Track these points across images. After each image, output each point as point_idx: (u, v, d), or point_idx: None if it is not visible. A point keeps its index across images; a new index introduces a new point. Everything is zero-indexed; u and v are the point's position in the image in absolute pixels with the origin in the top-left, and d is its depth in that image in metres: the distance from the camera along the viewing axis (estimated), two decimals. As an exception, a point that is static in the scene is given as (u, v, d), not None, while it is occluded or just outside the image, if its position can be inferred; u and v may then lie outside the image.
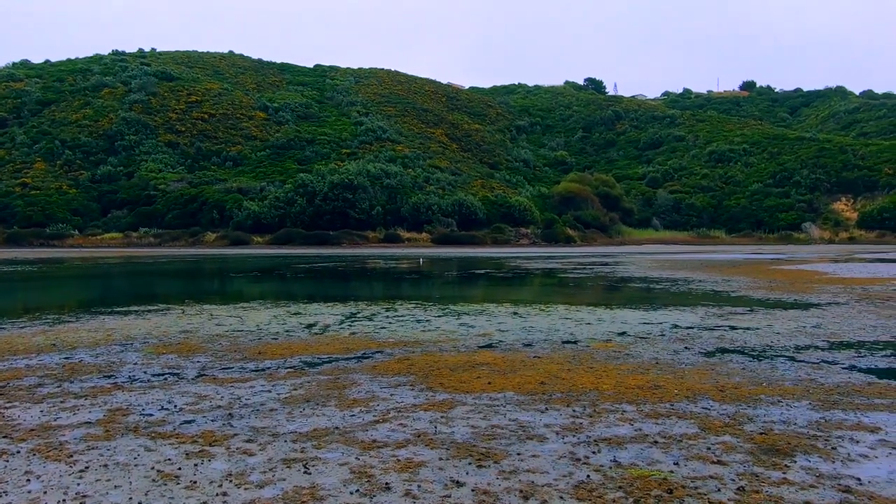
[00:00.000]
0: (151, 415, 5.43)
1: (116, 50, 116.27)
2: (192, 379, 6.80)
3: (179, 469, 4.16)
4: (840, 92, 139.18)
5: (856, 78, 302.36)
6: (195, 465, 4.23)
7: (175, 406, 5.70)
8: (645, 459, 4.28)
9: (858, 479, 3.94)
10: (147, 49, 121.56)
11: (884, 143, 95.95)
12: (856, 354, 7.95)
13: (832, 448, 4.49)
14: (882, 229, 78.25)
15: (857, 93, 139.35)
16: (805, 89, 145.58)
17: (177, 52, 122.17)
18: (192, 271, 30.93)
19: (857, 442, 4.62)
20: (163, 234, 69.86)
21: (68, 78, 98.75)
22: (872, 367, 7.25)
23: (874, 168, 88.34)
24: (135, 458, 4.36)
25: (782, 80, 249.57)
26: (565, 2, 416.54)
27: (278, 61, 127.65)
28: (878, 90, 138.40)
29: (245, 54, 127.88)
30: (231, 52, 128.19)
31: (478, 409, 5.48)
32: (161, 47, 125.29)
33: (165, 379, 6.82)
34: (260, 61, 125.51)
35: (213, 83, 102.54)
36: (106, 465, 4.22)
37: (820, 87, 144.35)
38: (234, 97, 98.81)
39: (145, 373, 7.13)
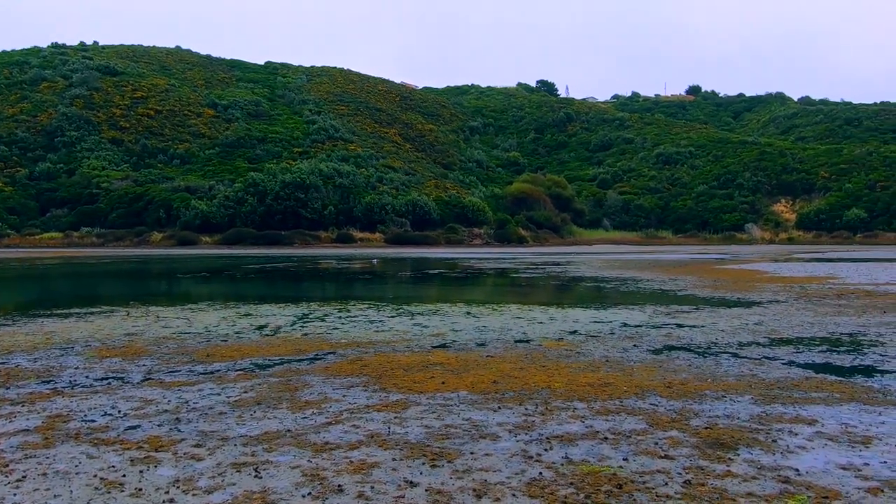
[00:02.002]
0: (94, 421, 5.24)
1: (56, 42, 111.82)
2: (137, 383, 6.60)
3: (124, 476, 4.03)
4: (780, 98, 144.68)
5: (795, 84, 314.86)
6: (141, 471, 4.11)
7: (119, 411, 5.52)
8: (595, 456, 4.36)
9: (797, 470, 4.10)
10: (89, 42, 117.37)
11: (820, 148, 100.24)
12: (794, 350, 8.27)
13: (773, 441, 4.65)
14: (818, 230, 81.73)
15: (795, 99, 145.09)
16: (748, 94, 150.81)
17: (121, 45, 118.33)
18: (137, 272, 30.02)
19: (796, 434, 4.81)
20: (106, 234, 67.54)
21: (4, 70, 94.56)
22: (810, 362, 7.56)
23: (811, 171, 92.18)
24: (76, 466, 4.20)
25: (726, 86, 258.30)
26: (519, 6, 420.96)
27: (227, 57, 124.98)
28: (815, 97, 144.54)
29: (193, 50, 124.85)
30: (178, 47, 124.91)
31: (431, 409, 5.49)
32: (104, 40, 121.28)
33: (109, 383, 6.60)
34: (209, 57, 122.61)
35: (159, 79, 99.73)
36: (45, 474, 4.06)
37: (761, 92, 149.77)
38: (181, 93, 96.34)
39: (87, 377, 6.88)
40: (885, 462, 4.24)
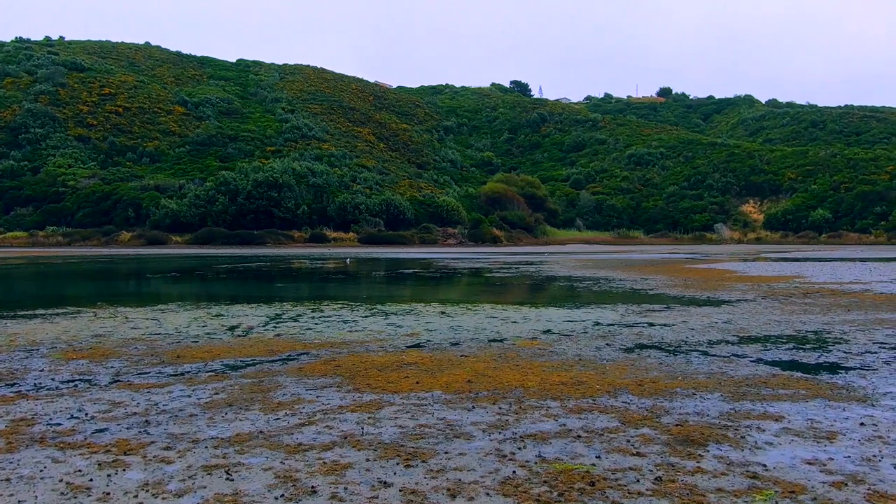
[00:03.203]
0: (59, 424, 5.13)
1: (20, 37, 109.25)
2: (105, 385, 6.47)
3: (91, 480, 3.95)
4: (748, 100, 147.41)
5: (762, 87, 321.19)
6: (108, 475, 4.03)
7: (86, 414, 5.41)
8: (568, 454, 4.39)
9: (764, 466, 4.18)
10: (55, 37, 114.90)
11: (787, 150, 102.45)
12: (762, 348, 8.43)
13: (741, 437, 4.74)
14: (785, 230, 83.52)
15: (763, 101, 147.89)
16: (717, 97, 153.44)
17: (88, 41, 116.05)
18: (105, 272, 29.44)
19: (764, 430, 4.90)
20: (73, 234, 66.15)
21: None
22: (777, 359, 7.71)
23: (778, 173, 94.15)
24: (41, 471, 4.11)
25: (696, 88, 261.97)
26: (493, 6, 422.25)
27: (198, 54, 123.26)
28: (782, 99, 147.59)
29: (162, 46, 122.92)
30: (147, 43, 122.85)
31: (405, 409, 5.48)
32: (70, 36, 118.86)
33: (75, 386, 6.46)
34: (179, 54, 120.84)
35: (127, 75, 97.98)
36: (9, 480, 3.96)
37: (730, 95, 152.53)
38: (150, 90, 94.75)
39: (53, 380, 6.73)
40: (849, 457, 4.34)
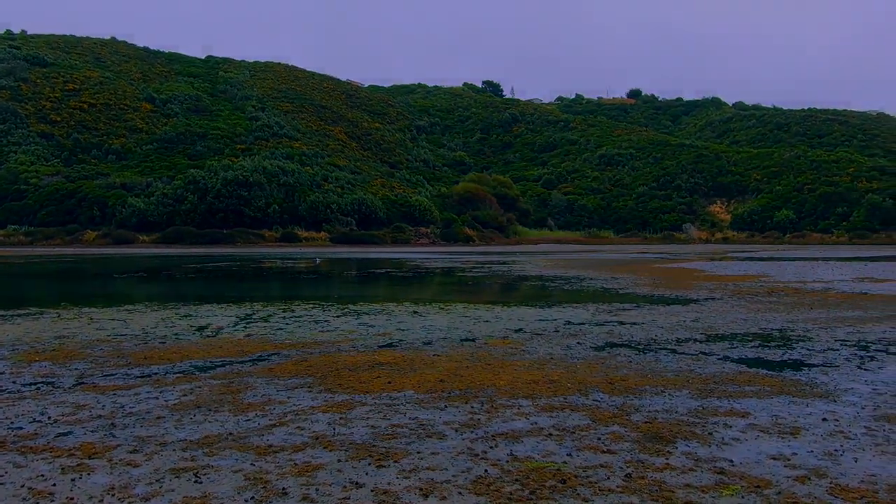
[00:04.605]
0: (21, 428, 5.00)
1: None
2: (69, 388, 6.33)
3: (54, 485, 3.85)
4: (715, 102, 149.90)
5: (730, 89, 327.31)
6: (72, 479, 3.94)
7: (49, 417, 5.28)
8: (540, 452, 4.42)
9: (731, 461, 4.26)
10: (16, 30, 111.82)
11: (753, 151, 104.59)
12: (729, 346, 8.59)
13: (708, 433, 4.82)
14: (751, 230, 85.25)
15: (730, 104, 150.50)
16: (685, 99, 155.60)
17: (51, 35, 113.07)
18: (69, 272, 28.77)
19: (730, 427, 4.99)
20: (35, 233, 64.47)
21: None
22: (743, 357, 7.86)
23: (745, 174, 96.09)
24: (1, 477, 4.00)
25: (664, 90, 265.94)
26: (468, 7, 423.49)
27: (166, 50, 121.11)
28: (749, 102, 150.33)
29: (129, 41, 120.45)
30: (113, 38, 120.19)
31: (377, 409, 5.46)
32: (32, 29, 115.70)
33: (38, 388, 6.30)
34: (146, 50, 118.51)
35: (92, 71, 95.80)
36: (-33, 486, 3.85)
37: (698, 97, 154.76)
38: (117, 86, 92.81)
39: (14, 382, 6.56)
40: (812, 451, 4.45)
